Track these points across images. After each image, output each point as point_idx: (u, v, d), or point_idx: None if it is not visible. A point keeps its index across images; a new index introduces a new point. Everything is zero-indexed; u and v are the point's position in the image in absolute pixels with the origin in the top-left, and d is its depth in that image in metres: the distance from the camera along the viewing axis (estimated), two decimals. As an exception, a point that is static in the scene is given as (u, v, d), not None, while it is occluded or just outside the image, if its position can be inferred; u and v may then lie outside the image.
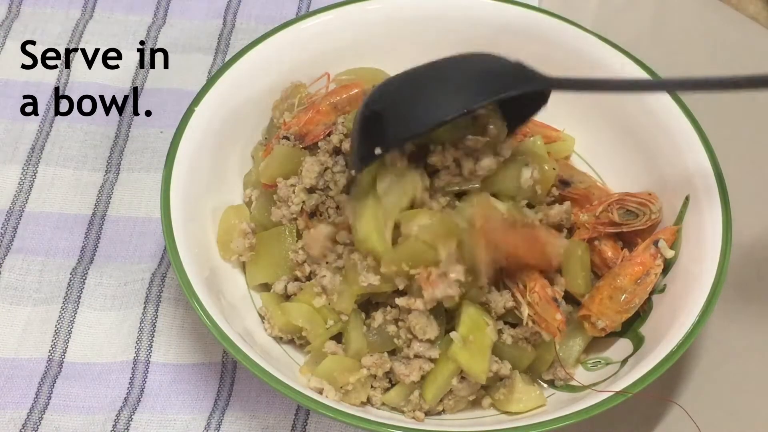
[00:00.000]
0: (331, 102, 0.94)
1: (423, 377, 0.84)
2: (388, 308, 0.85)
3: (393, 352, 0.85)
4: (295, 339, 0.87)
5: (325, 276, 0.85)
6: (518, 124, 0.86)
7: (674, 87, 0.89)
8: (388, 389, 0.85)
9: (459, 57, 0.84)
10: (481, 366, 0.82)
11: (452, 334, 0.83)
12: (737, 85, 0.80)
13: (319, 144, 0.91)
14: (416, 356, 0.83)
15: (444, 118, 0.79)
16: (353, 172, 0.84)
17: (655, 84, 0.91)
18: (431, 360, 0.83)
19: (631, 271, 0.86)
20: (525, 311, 0.84)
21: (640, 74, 0.94)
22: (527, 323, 0.84)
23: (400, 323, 0.85)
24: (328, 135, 0.91)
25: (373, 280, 0.82)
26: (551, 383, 0.87)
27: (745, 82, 0.79)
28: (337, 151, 0.90)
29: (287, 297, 0.88)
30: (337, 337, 0.86)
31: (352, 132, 0.83)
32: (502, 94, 0.80)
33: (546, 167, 0.89)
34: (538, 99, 0.83)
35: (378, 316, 0.85)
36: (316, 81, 0.97)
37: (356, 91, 0.95)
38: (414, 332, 0.83)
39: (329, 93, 0.95)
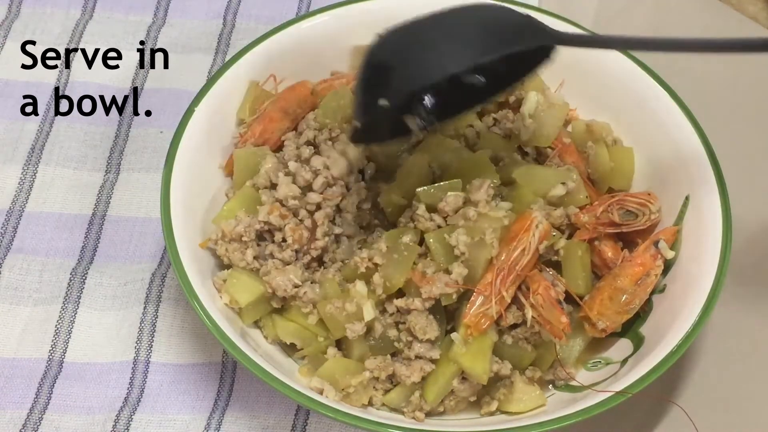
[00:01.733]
0: (280, 107, 0.94)
1: (424, 378, 0.84)
2: (387, 313, 0.85)
3: (393, 353, 0.85)
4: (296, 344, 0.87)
5: (306, 292, 0.85)
6: (520, 78, 0.84)
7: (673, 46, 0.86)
8: (388, 390, 0.85)
9: (468, 7, 0.81)
10: (482, 367, 0.82)
11: (453, 336, 0.83)
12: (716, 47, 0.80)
13: (286, 143, 0.92)
14: (417, 357, 0.83)
15: (451, 71, 0.77)
16: (357, 123, 0.80)
17: (657, 42, 0.87)
18: (432, 361, 0.83)
19: (632, 272, 0.86)
20: (529, 313, 0.84)
21: (640, 74, 0.94)
22: (531, 325, 0.84)
23: (400, 326, 0.85)
24: (299, 135, 0.92)
25: (358, 328, 0.83)
26: (551, 383, 0.87)
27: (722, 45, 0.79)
28: (311, 145, 0.91)
29: (284, 299, 0.87)
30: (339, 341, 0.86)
31: (356, 81, 0.81)
32: (509, 49, 0.78)
33: (580, 196, 0.90)
34: (544, 54, 0.81)
35: (377, 326, 0.85)
36: (325, 80, 0.97)
37: (302, 91, 0.95)
38: (414, 333, 0.83)
39: (277, 98, 0.94)
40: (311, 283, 0.86)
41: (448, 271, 0.84)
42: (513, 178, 0.88)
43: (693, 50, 0.87)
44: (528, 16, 0.80)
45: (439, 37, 0.78)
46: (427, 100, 0.83)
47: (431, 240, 0.84)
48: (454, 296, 0.83)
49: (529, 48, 0.79)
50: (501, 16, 0.81)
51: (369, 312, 0.83)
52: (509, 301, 0.83)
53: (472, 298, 0.83)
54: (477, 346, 0.82)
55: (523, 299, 0.84)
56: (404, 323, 0.84)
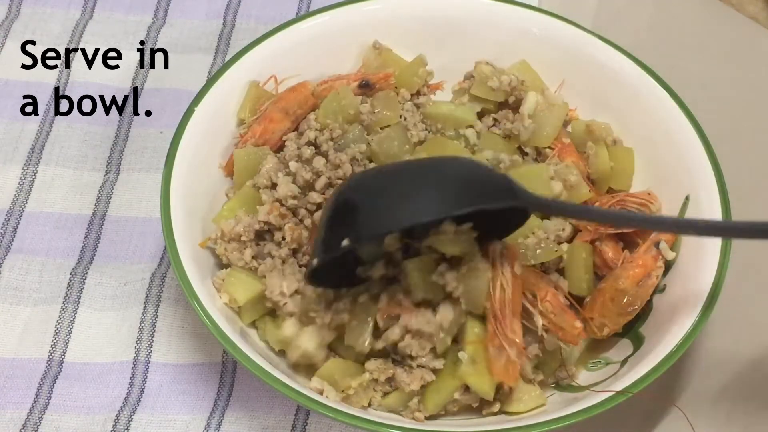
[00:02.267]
0: (281, 108, 0.94)
1: (424, 386, 0.83)
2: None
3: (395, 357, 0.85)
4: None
5: (287, 303, 0.84)
6: (494, 239, 0.82)
7: (651, 225, 0.86)
8: (387, 393, 0.85)
9: (445, 159, 0.82)
10: (489, 384, 0.82)
11: (460, 355, 0.82)
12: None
13: (287, 144, 0.92)
14: (419, 366, 0.83)
15: (421, 220, 0.77)
16: (314, 261, 0.79)
17: (635, 219, 0.86)
18: (434, 371, 0.83)
19: (633, 273, 0.86)
20: (539, 321, 0.84)
21: (640, 74, 0.94)
22: (542, 334, 0.84)
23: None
24: (299, 135, 0.92)
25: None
26: (552, 383, 0.87)
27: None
28: (312, 146, 0.91)
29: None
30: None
31: (321, 217, 0.81)
32: (483, 204, 0.77)
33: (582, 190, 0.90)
34: (519, 217, 0.81)
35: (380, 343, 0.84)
36: (326, 81, 0.97)
37: (303, 92, 0.95)
38: (411, 353, 0.83)
39: (277, 99, 0.94)
40: (296, 293, 0.85)
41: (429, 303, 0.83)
42: None
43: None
44: (505, 177, 0.79)
45: (413, 184, 0.77)
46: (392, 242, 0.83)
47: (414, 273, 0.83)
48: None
49: (503, 207, 0.78)
50: (478, 173, 0.80)
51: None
52: (521, 340, 0.81)
53: (491, 354, 0.81)
54: (485, 364, 0.82)
55: (530, 307, 0.84)
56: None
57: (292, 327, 0.84)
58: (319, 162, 0.89)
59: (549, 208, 0.85)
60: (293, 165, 0.89)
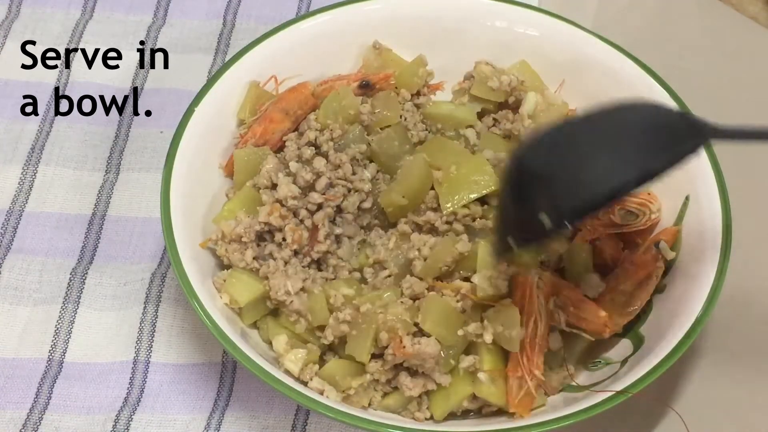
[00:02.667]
0: (281, 108, 0.93)
1: (426, 393, 0.84)
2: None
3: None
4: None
5: (293, 301, 0.84)
6: (666, 170, 0.73)
7: None
8: (387, 393, 0.85)
9: (620, 106, 0.74)
10: (504, 395, 0.82)
11: (480, 375, 0.82)
12: None
13: (287, 144, 0.92)
14: (424, 374, 0.83)
15: (629, 186, 0.70)
16: (512, 241, 0.73)
17: None
18: (437, 383, 0.83)
19: (633, 273, 0.86)
20: (562, 317, 0.84)
21: (640, 74, 0.94)
22: (565, 329, 0.84)
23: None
24: (300, 135, 0.93)
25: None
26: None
27: None
28: (312, 146, 0.91)
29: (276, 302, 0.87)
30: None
31: (505, 191, 0.74)
32: (676, 159, 0.70)
33: None
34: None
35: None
36: (326, 81, 0.97)
37: (303, 92, 0.95)
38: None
39: (278, 99, 0.94)
40: (301, 291, 0.85)
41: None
42: None
43: None
44: (684, 114, 0.73)
45: (604, 143, 0.70)
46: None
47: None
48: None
49: (693, 152, 0.71)
50: (659, 117, 0.73)
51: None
52: (542, 374, 0.82)
53: (510, 383, 0.81)
54: (501, 378, 0.82)
55: (551, 305, 0.84)
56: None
57: (282, 345, 0.84)
58: (319, 162, 0.89)
59: (735, 135, 0.75)
60: (293, 165, 0.89)
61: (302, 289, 0.84)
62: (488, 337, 0.81)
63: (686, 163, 0.72)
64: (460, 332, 0.82)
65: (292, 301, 0.84)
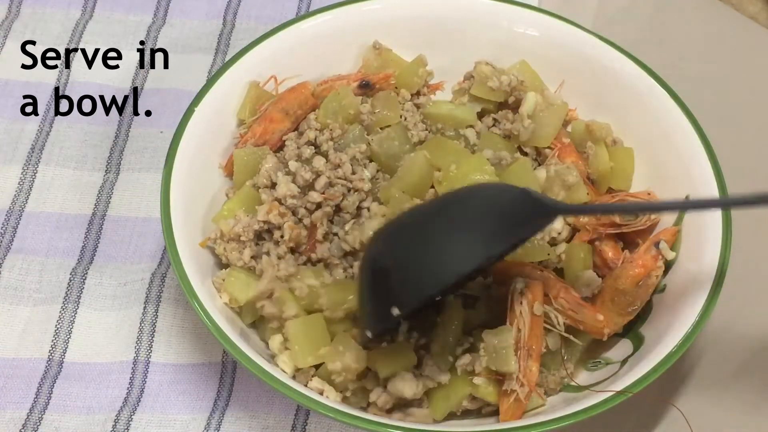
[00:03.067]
0: (281, 108, 0.93)
1: (426, 393, 0.84)
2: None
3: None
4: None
5: (264, 305, 0.85)
6: (521, 243, 0.81)
7: (681, 207, 0.86)
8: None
9: (463, 193, 0.78)
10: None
11: (476, 380, 0.82)
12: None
13: (287, 143, 0.92)
14: (423, 375, 0.83)
15: (464, 271, 0.74)
16: (369, 333, 0.78)
17: (663, 205, 0.87)
18: (438, 383, 0.83)
19: (633, 273, 0.86)
20: (560, 320, 0.84)
21: (640, 74, 0.94)
22: (563, 335, 0.84)
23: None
24: (300, 135, 0.93)
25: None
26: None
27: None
28: (312, 145, 0.91)
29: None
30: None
31: (359, 286, 0.79)
32: (522, 234, 0.75)
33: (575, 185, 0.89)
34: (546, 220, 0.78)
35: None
36: (326, 81, 0.97)
37: (303, 92, 0.95)
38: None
39: (278, 99, 0.94)
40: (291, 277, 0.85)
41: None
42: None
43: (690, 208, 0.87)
44: (526, 192, 0.76)
45: (446, 233, 0.74)
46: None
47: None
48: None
49: (539, 230, 0.77)
50: (499, 199, 0.76)
51: None
52: (534, 382, 0.81)
53: (503, 387, 0.81)
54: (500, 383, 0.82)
55: (546, 308, 0.84)
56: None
57: (277, 345, 0.85)
58: (319, 162, 0.89)
59: (581, 212, 0.84)
60: (293, 164, 0.89)
61: (291, 275, 0.84)
62: (479, 369, 0.82)
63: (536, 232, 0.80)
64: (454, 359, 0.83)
65: (263, 305, 0.84)
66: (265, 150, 0.91)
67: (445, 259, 0.73)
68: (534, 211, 0.75)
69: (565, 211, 0.80)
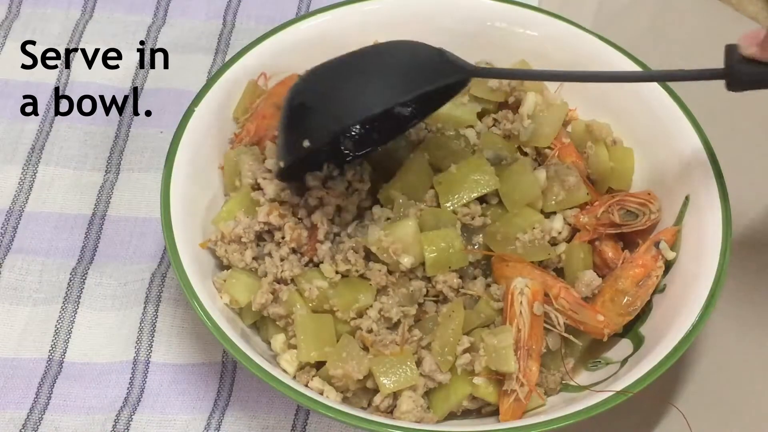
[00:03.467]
0: (272, 103, 0.93)
1: (427, 393, 0.84)
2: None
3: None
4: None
5: (268, 308, 0.85)
6: (437, 106, 0.88)
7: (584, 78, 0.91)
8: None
9: (383, 46, 0.86)
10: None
11: (476, 380, 0.82)
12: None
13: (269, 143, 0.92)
14: (423, 375, 0.83)
15: (370, 113, 0.82)
16: (281, 163, 0.84)
17: (570, 75, 0.92)
18: (438, 383, 0.83)
19: (633, 273, 0.86)
20: (561, 320, 0.84)
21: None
22: (563, 335, 0.84)
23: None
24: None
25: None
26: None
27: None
28: None
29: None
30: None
31: (280, 122, 0.84)
32: (426, 87, 0.82)
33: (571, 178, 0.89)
34: (458, 85, 0.85)
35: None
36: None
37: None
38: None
39: (268, 94, 0.94)
40: (277, 299, 0.85)
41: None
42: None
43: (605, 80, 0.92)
44: (441, 51, 0.83)
45: (359, 78, 0.82)
46: (355, 132, 0.88)
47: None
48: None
49: (445, 84, 0.83)
50: (415, 54, 0.83)
51: None
52: (534, 382, 0.81)
53: (503, 387, 0.81)
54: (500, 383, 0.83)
55: (546, 308, 0.84)
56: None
57: (280, 344, 0.85)
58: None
59: (488, 74, 0.90)
60: (269, 162, 0.89)
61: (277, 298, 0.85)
62: (478, 368, 0.82)
63: (453, 93, 0.86)
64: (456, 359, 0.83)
65: (267, 307, 0.84)
66: (247, 150, 0.90)
67: (355, 99, 0.81)
68: (445, 68, 0.83)
69: (474, 73, 0.85)
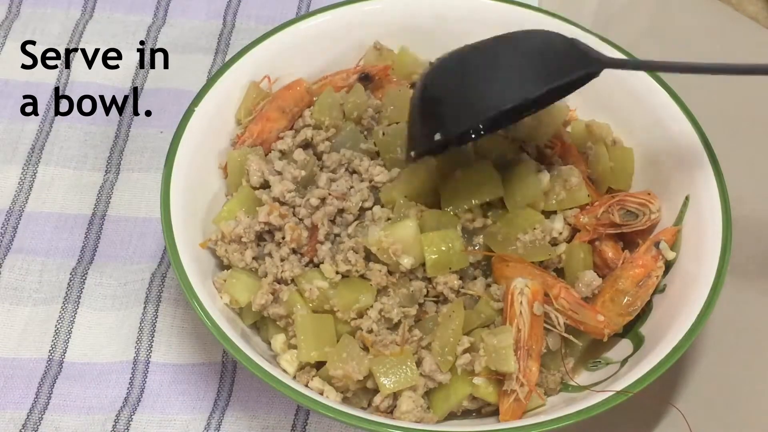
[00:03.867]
0: (278, 106, 0.94)
1: (427, 393, 0.84)
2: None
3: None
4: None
5: (268, 308, 0.85)
6: (563, 96, 0.86)
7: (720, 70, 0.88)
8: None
9: (514, 35, 0.84)
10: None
11: (475, 380, 0.82)
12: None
13: (277, 143, 0.92)
14: (422, 375, 0.83)
15: (503, 108, 0.80)
16: (412, 153, 0.84)
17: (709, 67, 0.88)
18: (438, 383, 0.83)
19: (633, 273, 0.86)
20: (561, 320, 0.84)
21: (640, 74, 0.94)
22: (563, 335, 0.84)
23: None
24: (296, 133, 0.93)
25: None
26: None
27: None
28: (307, 146, 0.91)
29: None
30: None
31: (410, 111, 0.84)
32: (560, 81, 0.81)
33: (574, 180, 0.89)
34: (589, 76, 0.83)
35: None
36: (324, 77, 0.97)
37: (299, 89, 0.95)
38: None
39: (274, 97, 0.94)
40: (277, 300, 0.85)
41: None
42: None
43: (735, 73, 0.88)
44: (573, 42, 0.82)
45: (492, 71, 0.81)
46: (483, 123, 0.86)
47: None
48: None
49: (578, 77, 0.82)
50: (548, 45, 0.83)
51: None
52: (534, 382, 0.81)
53: (503, 387, 0.81)
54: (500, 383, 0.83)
55: (546, 308, 0.84)
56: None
57: (280, 344, 0.85)
58: (299, 155, 0.89)
59: (624, 65, 0.89)
60: (278, 164, 0.89)
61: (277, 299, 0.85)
62: (478, 368, 0.82)
63: (578, 86, 0.83)
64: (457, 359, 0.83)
65: (267, 307, 0.84)
66: (252, 150, 0.91)
67: (487, 94, 0.80)
68: (580, 60, 0.81)
69: (609, 64, 0.83)
